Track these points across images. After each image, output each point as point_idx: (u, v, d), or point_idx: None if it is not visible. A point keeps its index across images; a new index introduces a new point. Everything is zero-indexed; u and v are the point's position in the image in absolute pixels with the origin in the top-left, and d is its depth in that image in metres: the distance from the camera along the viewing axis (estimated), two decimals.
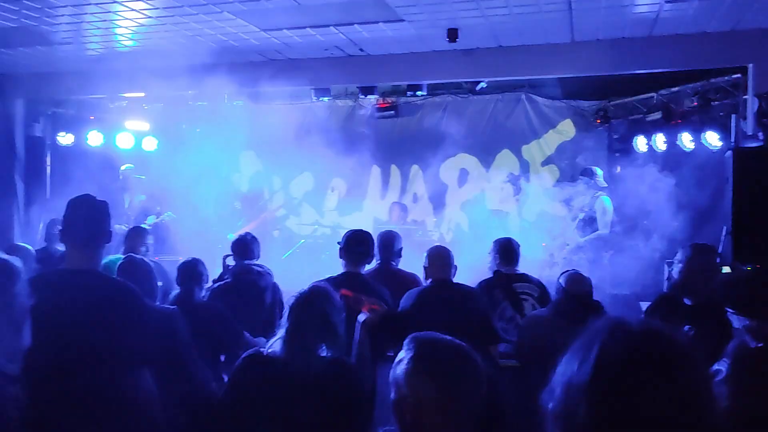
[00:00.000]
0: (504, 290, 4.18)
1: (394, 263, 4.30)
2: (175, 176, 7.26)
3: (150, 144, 8.69)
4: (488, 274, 4.33)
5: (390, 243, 4.32)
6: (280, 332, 2.46)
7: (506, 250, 4.40)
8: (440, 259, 3.70)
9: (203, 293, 3.90)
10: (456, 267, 3.74)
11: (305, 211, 8.94)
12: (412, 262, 4.32)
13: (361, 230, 3.92)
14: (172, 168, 7.30)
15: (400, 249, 4.35)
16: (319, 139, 7.98)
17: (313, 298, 2.50)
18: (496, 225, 7.01)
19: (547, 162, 8.29)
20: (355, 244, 3.77)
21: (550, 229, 7.06)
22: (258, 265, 4.37)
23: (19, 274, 1.88)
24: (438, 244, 4.61)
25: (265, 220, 8.18)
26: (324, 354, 2.43)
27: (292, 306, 2.49)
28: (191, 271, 3.80)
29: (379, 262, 4.28)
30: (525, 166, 8.28)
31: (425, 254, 3.77)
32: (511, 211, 7.90)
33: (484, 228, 7.00)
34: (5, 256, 1.92)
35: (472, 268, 4.49)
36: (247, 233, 4.67)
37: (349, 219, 8.44)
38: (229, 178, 8.47)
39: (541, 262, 6.48)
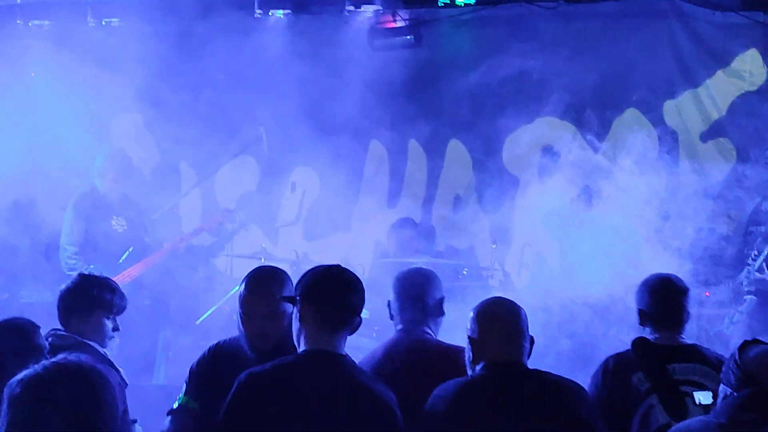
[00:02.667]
0: (652, 376, 4.28)
1: (430, 330, 4.58)
2: None
3: None
4: (621, 346, 4.40)
5: (423, 290, 4.61)
6: None
7: (659, 301, 4.55)
8: (502, 323, 3.85)
9: None
10: (532, 339, 3.89)
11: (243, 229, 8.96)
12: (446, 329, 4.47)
13: (338, 266, 3.95)
14: None
15: (442, 300, 4.68)
16: (267, 91, 7.98)
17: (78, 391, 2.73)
18: (615, 254, 6.94)
19: (714, 132, 8.44)
20: (329, 294, 3.81)
21: (721, 263, 7.11)
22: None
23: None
24: (497, 295, 4.69)
25: (173, 251, 8.13)
26: None
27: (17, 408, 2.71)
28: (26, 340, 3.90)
29: (401, 327, 4.60)
30: (670, 140, 8.33)
31: (472, 314, 3.90)
32: (643, 227, 7.83)
33: (590, 260, 6.94)
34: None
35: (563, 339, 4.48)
36: (81, 275, 4.78)
37: (324, 244, 8.60)
38: (96, 166, 8.44)
39: (707, 322, 6.65)
